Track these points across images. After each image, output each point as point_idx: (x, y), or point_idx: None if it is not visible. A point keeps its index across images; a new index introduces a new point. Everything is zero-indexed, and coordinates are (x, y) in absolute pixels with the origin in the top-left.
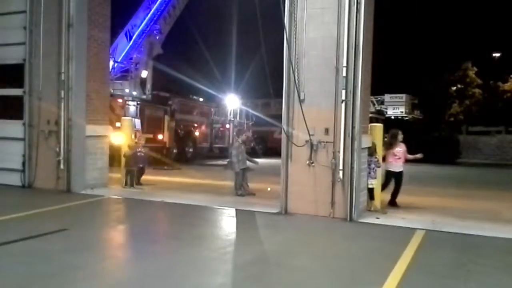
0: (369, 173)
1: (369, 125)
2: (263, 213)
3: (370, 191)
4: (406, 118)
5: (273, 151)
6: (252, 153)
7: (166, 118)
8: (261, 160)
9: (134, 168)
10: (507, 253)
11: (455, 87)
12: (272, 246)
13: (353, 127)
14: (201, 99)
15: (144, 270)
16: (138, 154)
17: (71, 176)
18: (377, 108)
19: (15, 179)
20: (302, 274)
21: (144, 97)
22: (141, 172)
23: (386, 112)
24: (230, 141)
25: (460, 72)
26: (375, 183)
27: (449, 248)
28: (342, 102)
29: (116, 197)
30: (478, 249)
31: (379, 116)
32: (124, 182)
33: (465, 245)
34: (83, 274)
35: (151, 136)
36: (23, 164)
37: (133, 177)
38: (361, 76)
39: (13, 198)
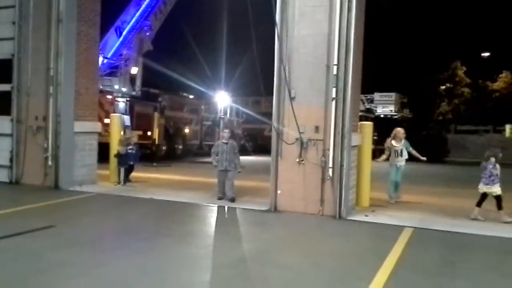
0: (490, 178)
1: (359, 123)
2: (252, 211)
3: (499, 199)
4: (396, 116)
5: (263, 148)
6: (243, 151)
7: (156, 115)
8: (251, 158)
9: (126, 166)
10: (494, 251)
11: (444, 86)
12: (261, 244)
13: (343, 125)
14: (191, 96)
15: (133, 267)
16: (129, 151)
17: (59, 173)
18: (367, 107)
19: (2, 175)
20: (290, 271)
21: (133, 93)
22: (131, 169)
23: (376, 111)
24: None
25: (449, 71)
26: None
27: (437, 246)
28: (332, 100)
29: (104, 194)
30: (466, 247)
31: (369, 115)
32: (120, 180)
33: (453, 243)
34: (71, 271)
35: (140, 133)
36: (11, 160)
37: (126, 174)
38: (352, 74)
39: (0, 194)
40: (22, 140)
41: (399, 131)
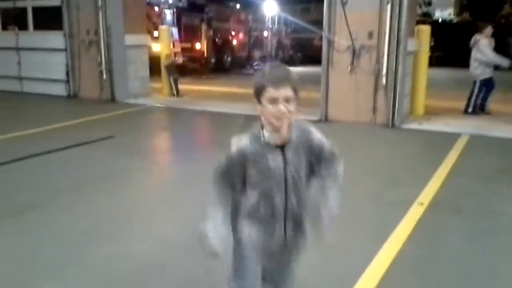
0: None
1: (416, 27)
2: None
3: None
4: (455, 21)
5: (312, 59)
6: (290, 61)
7: (203, 26)
8: (299, 69)
9: (177, 76)
10: None
11: None
12: None
13: (399, 30)
14: (238, 6)
15: (188, 173)
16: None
17: (114, 86)
18: (424, 11)
19: (60, 90)
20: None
21: (180, 4)
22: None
23: (433, 15)
24: (268, 49)
25: None
26: None
27: (494, 153)
28: (388, 3)
29: (158, 105)
30: None
31: (426, 19)
32: (174, 92)
33: (511, 149)
34: (132, 177)
35: (189, 45)
36: (67, 74)
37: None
38: None
39: (60, 107)
40: (76, 55)
41: None
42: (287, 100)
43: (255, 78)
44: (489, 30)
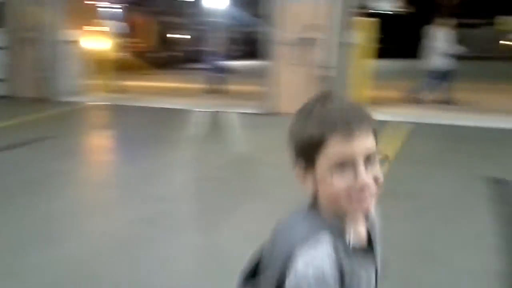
0: None
1: (359, 19)
2: (247, 114)
3: None
4: (398, 12)
5: (256, 52)
6: (235, 56)
7: (150, 20)
8: (244, 63)
9: (121, 72)
10: (489, 141)
11: None
12: (254, 145)
13: (340, 23)
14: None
15: (131, 173)
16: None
17: (52, 84)
18: (369, 3)
19: None
20: (283, 170)
21: None
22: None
23: (378, 7)
24: (215, 43)
25: None
26: None
27: (433, 139)
28: None
29: (98, 103)
30: (463, 138)
31: (370, 11)
32: (116, 88)
33: (451, 135)
34: (71, 179)
35: (135, 40)
36: (3, 72)
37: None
38: None
39: None
40: (12, 52)
41: None
42: (369, 158)
43: (298, 122)
44: (448, 22)
